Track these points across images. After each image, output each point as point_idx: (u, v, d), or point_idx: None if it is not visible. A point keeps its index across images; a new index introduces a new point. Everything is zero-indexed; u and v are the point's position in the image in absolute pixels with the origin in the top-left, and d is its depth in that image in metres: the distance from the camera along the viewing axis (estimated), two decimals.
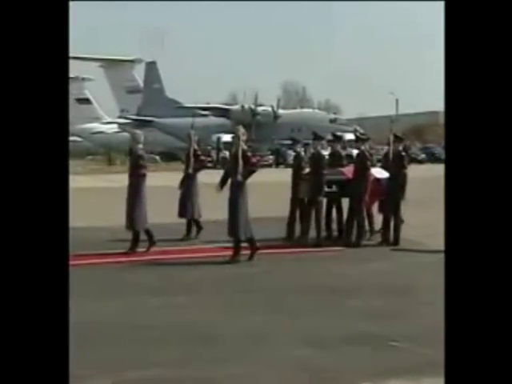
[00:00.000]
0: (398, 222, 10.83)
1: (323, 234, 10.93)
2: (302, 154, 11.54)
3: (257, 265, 9.04)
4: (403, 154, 11.29)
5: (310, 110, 64.32)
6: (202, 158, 12.14)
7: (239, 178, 9.14)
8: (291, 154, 17.87)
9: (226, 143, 43.01)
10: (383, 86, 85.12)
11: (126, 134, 48.81)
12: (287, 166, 30.94)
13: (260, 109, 58.33)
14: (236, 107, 60.60)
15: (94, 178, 31.16)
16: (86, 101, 71.22)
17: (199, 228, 11.43)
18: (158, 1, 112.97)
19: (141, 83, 67.57)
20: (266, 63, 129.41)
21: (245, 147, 9.45)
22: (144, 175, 10.00)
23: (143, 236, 9.99)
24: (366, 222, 11.24)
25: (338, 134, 14.90)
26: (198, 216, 11.49)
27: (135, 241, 9.91)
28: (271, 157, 47.87)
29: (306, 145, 11.83)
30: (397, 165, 10.93)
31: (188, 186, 11.54)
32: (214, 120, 57.61)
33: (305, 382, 4.75)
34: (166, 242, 10.68)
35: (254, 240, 9.34)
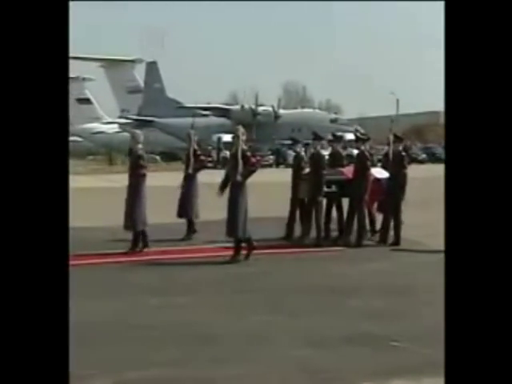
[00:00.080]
0: (399, 222, 10.84)
1: (322, 234, 10.91)
2: (302, 154, 11.55)
3: (257, 265, 9.04)
4: (403, 154, 11.29)
5: (311, 110, 64.30)
6: (202, 158, 12.13)
7: (239, 177, 9.14)
8: (291, 154, 17.87)
9: (226, 143, 42.98)
10: (384, 86, 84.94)
11: (126, 134, 48.71)
12: (287, 166, 30.91)
13: (261, 109, 58.32)
14: (236, 107, 60.60)
15: (94, 178, 31.16)
16: (87, 101, 71.24)
17: (193, 230, 11.42)
18: (158, 1, 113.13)
19: (141, 83, 67.56)
20: (267, 63, 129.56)
21: (245, 147, 9.45)
22: (144, 175, 10.00)
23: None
24: (367, 222, 11.25)
25: (339, 134, 14.90)
26: (195, 217, 11.49)
27: (135, 241, 9.92)
28: (271, 157, 47.86)
29: (306, 145, 11.84)
30: (397, 165, 10.93)
31: (188, 186, 11.54)
32: (214, 120, 57.60)
33: (305, 382, 4.75)
34: (166, 242, 10.69)
35: (251, 240, 9.33)
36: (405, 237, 10.74)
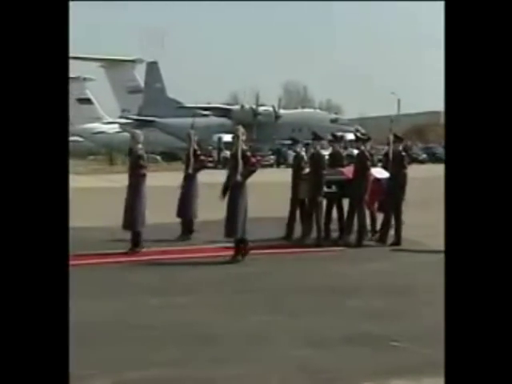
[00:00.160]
0: (399, 222, 10.84)
1: (323, 234, 10.91)
2: (302, 154, 11.54)
3: (257, 265, 9.04)
4: (403, 154, 11.29)
5: (311, 110, 64.27)
6: (202, 157, 12.14)
7: (239, 177, 9.14)
8: (292, 154, 17.88)
9: (226, 143, 42.97)
10: (384, 86, 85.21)
11: (127, 134, 48.60)
12: (288, 165, 30.92)
13: (261, 109, 58.29)
14: (237, 107, 60.60)
15: (95, 178, 31.16)
16: (87, 101, 71.24)
17: (191, 230, 11.42)
18: (158, 1, 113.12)
19: (142, 83, 67.56)
20: (267, 63, 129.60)
21: (244, 147, 9.45)
22: (144, 175, 9.99)
23: (144, 236, 9.98)
24: (368, 222, 11.25)
25: (339, 134, 14.90)
26: (194, 217, 11.49)
27: (135, 241, 9.90)
28: (272, 157, 47.84)
29: (306, 145, 11.83)
30: (397, 165, 10.93)
31: (188, 186, 11.54)
32: (215, 120, 57.59)
33: (305, 382, 4.75)
34: (166, 242, 10.69)
35: (247, 241, 9.32)
36: (405, 237, 10.74)
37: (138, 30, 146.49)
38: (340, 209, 11.52)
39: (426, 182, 19.29)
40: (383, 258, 9.70)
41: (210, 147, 44.68)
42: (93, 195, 19.79)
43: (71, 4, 3.90)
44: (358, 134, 13.65)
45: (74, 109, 59.89)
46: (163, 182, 17.15)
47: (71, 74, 58.49)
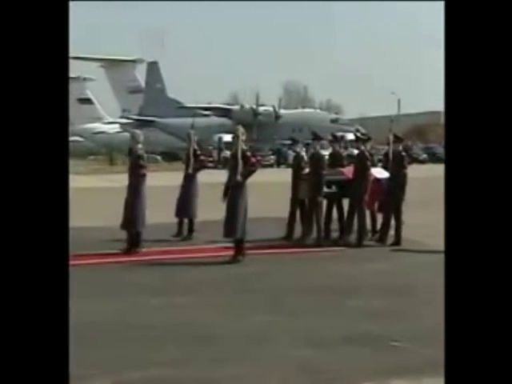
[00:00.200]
0: (400, 222, 10.83)
1: (323, 234, 10.90)
2: (302, 154, 11.53)
3: (257, 265, 9.04)
4: (403, 154, 11.29)
5: (312, 110, 64.27)
6: (202, 157, 12.14)
7: (239, 177, 9.14)
8: (292, 154, 17.88)
9: (227, 143, 42.97)
10: (385, 86, 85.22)
11: (127, 134, 48.66)
12: (288, 166, 30.93)
13: (261, 109, 58.30)
14: (237, 107, 60.61)
15: (95, 178, 31.16)
16: (88, 101, 71.23)
17: (191, 231, 11.42)
18: (158, 1, 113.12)
19: (142, 83, 67.56)
20: (267, 63, 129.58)
21: (244, 147, 9.45)
22: (144, 175, 9.99)
23: (144, 236, 9.98)
24: (368, 222, 11.24)
25: (339, 134, 14.90)
26: (193, 217, 11.49)
27: (135, 241, 9.90)
28: (272, 157, 47.84)
29: (307, 145, 11.83)
30: (397, 165, 10.93)
31: (188, 186, 11.54)
32: (215, 120, 57.60)
33: (305, 382, 4.75)
34: (167, 242, 10.69)
35: (243, 242, 9.31)
36: (405, 237, 10.74)
37: (139, 30, 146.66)
38: (340, 209, 11.52)
39: (427, 181, 19.28)
40: (383, 258, 9.70)
41: (211, 147, 44.68)
42: (93, 195, 19.79)
43: (71, 4, 3.90)
44: (358, 134, 13.63)
45: (74, 109, 59.89)
46: (164, 181, 17.17)
47: (72, 74, 58.49)
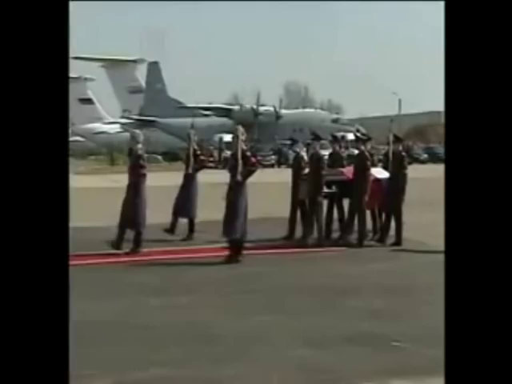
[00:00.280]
0: (400, 222, 10.83)
1: (323, 234, 10.90)
2: (302, 154, 11.52)
3: (258, 265, 9.04)
4: (403, 154, 11.29)
5: (312, 110, 64.29)
6: (202, 157, 12.14)
7: (239, 177, 9.14)
8: (292, 154, 17.88)
9: (228, 143, 42.95)
10: (385, 86, 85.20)
11: (128, 134, 48.75)
12: (289, 166, 30.94)
13: (262, 109, 58.31)
14: (238, 107, 60.61)
15: (96, 177, 31.16)
16: (89, 101, 71.28)
17: (192, 231, 11.41)
18: (158, 1, 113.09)
19: (143, 83, 67.59)
20: (268, 63, 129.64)
21: (244, 147, 9.45)
22: (144, 175, 9.99)
23: (145, 235, 9.98)
24: (369, 222, 11.24)
25: (340, 134, 14.90)
26: (194, 217, 11.49)
27: (137, 241, 9.90)
28: (273, 157, 47.84)
29: (308, 145, 11.82)
30: (397, 165, 10.93)
31: (188, 186, 11.54)
32: (216, 120, 57.61)
33: (305, 382, 4.74)
34: (167, 242, 10.69)
35: (235, 242, 9.29)
36: (406, 237, 10.73)
37: (139, 30, 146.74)
38: (341, 209, 11.51)
39: (427, 181, 19.27)
40: (384, 258, 9.69)
41: (211, 147, 44.67)
42: (94, 195, 19.78)
43: (71, 4, 3.90)
44: (358, 134, 13.62)
45: (75, 109, 59.97)
46: (164, 181, 17.15)
47: (73, 74, 58.54)
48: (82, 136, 65.17)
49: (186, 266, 9.02)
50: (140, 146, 10.17)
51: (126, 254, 9.61)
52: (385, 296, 7.22)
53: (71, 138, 51.89)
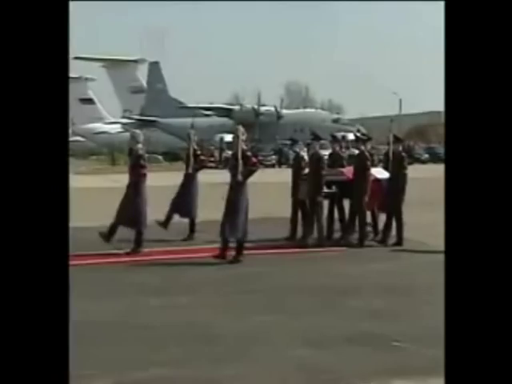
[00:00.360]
0: (401, 222, 10.83)
1: (324, 234, 10.89)
2: (302, 154, 11.51)
3: (258, 265, 9.04)
4: (403, 154, 11.29)
5: (313, 110, 64.28)
6: (202, 157, 12.14)
7: (239, 177, 9.14)
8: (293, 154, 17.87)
9: (228, 143, 42.95)
10: (386, 86, 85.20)
11: (129, 134, 48.73)
12: (290, 166, 30.92)
13: (263, 109, 58.30)
14: (239, 107, 60.61)
15: (97, 177, 31.15)
16: (90, 101, 71.29)
17: (192, 231, 11.41)
18: (158, 1, 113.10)
19: (144, 83, 67.59)
20: (269, 63, 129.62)
21: (244, 147, 9.45)
22: (144, 175, 9.99)
23: (145, 235, 9.98)
24: (369, 222, 11.23)
25: (340, 134, 14.89)
26: (194, 217, 11.49)
27: (138, 241, 9.90)
28: (274, 157, 47.83)
29: (308, 145, 11.81)
30: (397, 165, 10.92)
31: (188, 186, 11.54)
32: (217, 120, 57.61)
33: (305, 382, 4.74)
34: (167, 242, 10.68)
35: (227, 242, 9.29)
36: (406, 237, 10.73)
37: (139, 30, 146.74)
38: (341, 209, 11.51)
39: (427, 181, 19.25)
40: (385, 258, 9.69)
41: (212, 147, 44.67)
42: (95, 195, 19.78)
43: (71, 4, 3.90)
44: (358, 134, 13.62)
45: (76, 109, 59.98)
46: (165, 181, 17.14)
47: (73, 74, 58.55)
48: (83, 136, 65.16)
49: (186, 265, 9.02)
50: (140, 145, 10.18)
51: (127, 253, 9.61)
52: (385, 296, 7.22)
53: (72, 138, 51.92)
